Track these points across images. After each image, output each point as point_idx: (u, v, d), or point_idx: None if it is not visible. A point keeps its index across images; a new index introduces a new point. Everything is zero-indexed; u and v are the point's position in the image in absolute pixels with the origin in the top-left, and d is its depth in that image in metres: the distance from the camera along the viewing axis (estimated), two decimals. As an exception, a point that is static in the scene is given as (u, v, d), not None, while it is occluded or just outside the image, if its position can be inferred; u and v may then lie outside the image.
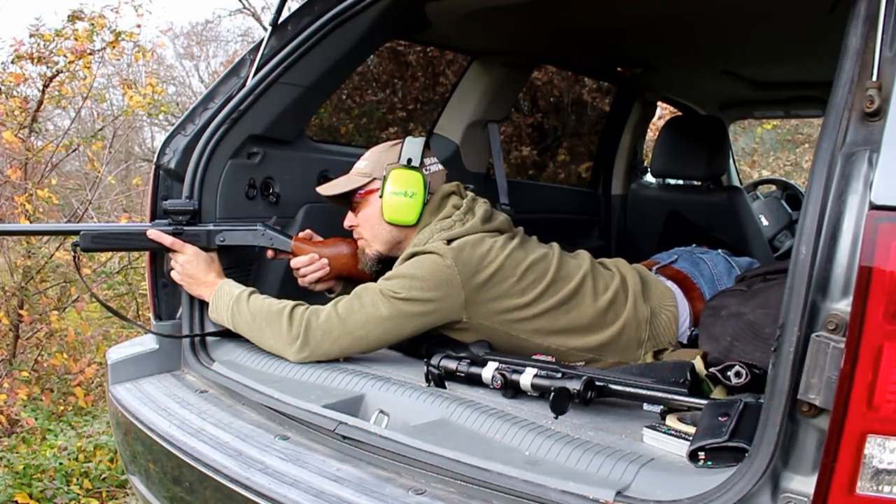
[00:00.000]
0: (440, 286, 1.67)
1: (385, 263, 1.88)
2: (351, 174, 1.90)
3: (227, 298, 1.75)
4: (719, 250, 2.17)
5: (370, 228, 1.87)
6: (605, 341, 1.77)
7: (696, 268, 2.05)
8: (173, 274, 1.82)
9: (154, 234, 1.78)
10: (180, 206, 1.80)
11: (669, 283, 1.94)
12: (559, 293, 1.75)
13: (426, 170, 1.85)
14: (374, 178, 1.85)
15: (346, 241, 1.94)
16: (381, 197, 1.82)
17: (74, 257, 1.83)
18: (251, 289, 1.78)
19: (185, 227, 1.81)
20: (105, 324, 5.19)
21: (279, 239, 1.89)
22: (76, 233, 1.75)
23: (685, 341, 1.86)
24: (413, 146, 1.85)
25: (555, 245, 1.89)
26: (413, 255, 1.74)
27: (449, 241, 1.73)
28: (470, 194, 1.89)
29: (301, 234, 1.94)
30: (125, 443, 1.73)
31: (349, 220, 1.92)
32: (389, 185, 1.81)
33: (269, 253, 1.90)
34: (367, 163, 1.88)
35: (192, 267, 1.79)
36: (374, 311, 1.66)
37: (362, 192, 1.87)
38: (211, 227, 1.83)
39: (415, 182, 1.81)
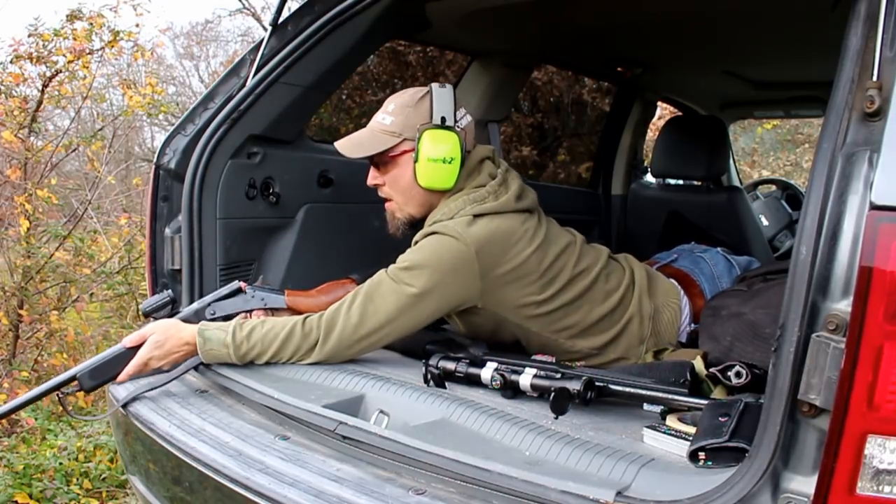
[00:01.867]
0: (458, 276, 1.62)
1: (416, 226, 1.80)
2: (374, 130, 1.74)
3: (218, 335, 1.59)
4: (718, 248, 2.18)
5: (402, 192, 1.76)
6: (610, 339, 1.79)
7: (696, 266, 2.06)
8: (153, 364, 1.60)
9: (130, 341, 1.61)
10: (157, 302, 1.73)
11: (672, 281, 1.95)
12: (575, 288, 1.74)
13: (459, 126, 1.72)
14: (405, 139, 1.71)
15: (340, 283, 1.86)
16: (416, 161, 1.69)
17: (60, 398, 1.61)
18: (235, 321, 1.64)
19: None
20: (105, 324, 5.19)
21: (272, 298, 1.78)
22: (73, 378, 1.58)
23: (684, 339, 1.87)
24: (444, 101, 1.70)
25: (577, 234, 1.85)
26: (433, 233, 1.65)
27: (476, 217, 1.65)
28: (504, 164, 1.81)
29: (292, 289, 1.84)
30: (125, 443, 1.73)
31: (373, 178, 1.79)
32: (425, 150, 1.67)
33: (259, 314, 1.76)
34: (394, 120, 1.72)
35: (165, 346, 1.60)
36: (390, 313, 1.60)
37: (391, 154, 1.73)
38: (196, 306, 1.72)
39: (452, 146, 1.68)
